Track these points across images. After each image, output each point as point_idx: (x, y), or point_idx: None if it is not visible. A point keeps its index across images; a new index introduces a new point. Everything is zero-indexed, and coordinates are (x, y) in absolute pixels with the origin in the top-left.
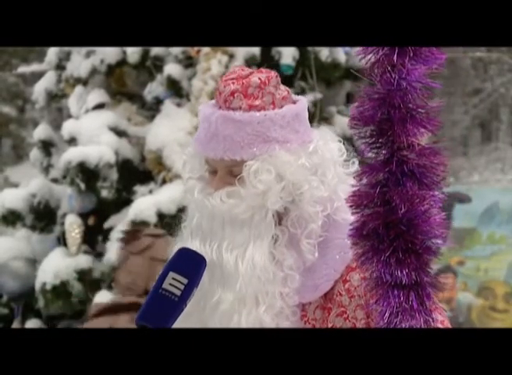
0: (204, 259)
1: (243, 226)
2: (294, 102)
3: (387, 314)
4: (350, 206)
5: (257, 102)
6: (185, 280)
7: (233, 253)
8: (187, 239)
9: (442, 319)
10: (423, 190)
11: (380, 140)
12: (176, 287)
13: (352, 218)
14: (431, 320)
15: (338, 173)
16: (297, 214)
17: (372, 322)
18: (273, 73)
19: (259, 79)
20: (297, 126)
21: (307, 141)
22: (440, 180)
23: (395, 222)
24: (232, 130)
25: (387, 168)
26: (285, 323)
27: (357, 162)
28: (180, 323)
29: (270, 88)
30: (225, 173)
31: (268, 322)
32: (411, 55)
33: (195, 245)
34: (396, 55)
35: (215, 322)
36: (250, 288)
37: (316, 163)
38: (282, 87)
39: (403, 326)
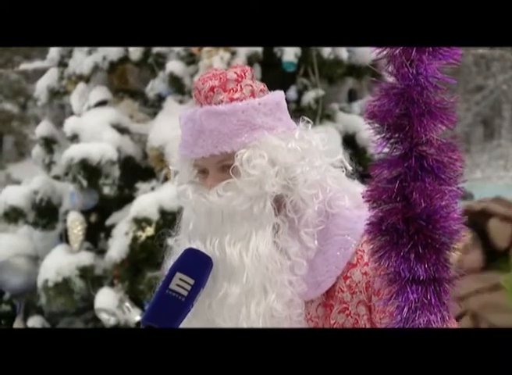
0: (211, 259)
1: (242, 219)
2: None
3: (405, 310)
4: (368, 201)
5: (237, 95)
6: (192, 281)
7: (237, 246)
8: (185, 246)
9: None
10: (441, 185)
11: (398, 135)
12: (182, 287)
13: (348, 204)
14: (447, 316)
15: (324, 162)
16: (293, 199)
17: (375, 317)
18: (247, 67)
19: (235, 73)
20: (279, 114)
21: (292, 128)
22: (458, 175)
23: (414, 217)
24: (218, 123)
25: (405, 163)
26: (297, 312)
27: (341, 152)
28: (187, 323)
29: (247, 81)
30: (217, 170)
31: (280, 310)
32: (430, 50)
33: (196, 246)
34: (414, 50)
35: (224, 317)
36: (257, 279)
37: (304, 149)
38: (257, 81)
39: (421, 321)
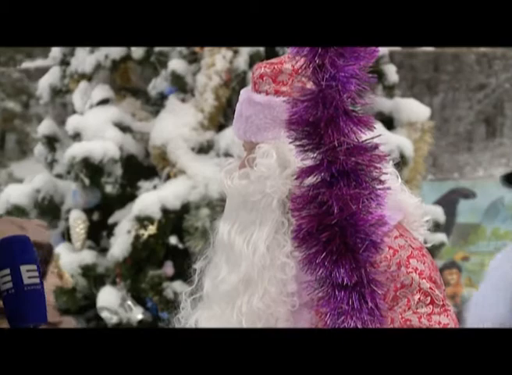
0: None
1: (252, 209)
2: None
3: (330, 314)
4: (290, 210)
5: (284, 89)
6: (35, 266)
7: (242, 236)
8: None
9: (446, 322)
10: (359, 188)
11: (312, 141)
12: (33, 276)
13: None
14: (376, 319)
15: None
16: None
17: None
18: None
19: (292, 66)
20: None
21: None
22: (377, 176)
23: (329, 223)
24: (253, 112)
25: (319, 169)
26: (279, 310)
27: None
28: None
29: (302, 78)
30: (248, 154)
31: (263, 309)
32: (337, 53)
33: (221, 224)
34: (321, 55)
35: (220, 301)
36: (252, 272)
37: None
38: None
39: (347, 325)
